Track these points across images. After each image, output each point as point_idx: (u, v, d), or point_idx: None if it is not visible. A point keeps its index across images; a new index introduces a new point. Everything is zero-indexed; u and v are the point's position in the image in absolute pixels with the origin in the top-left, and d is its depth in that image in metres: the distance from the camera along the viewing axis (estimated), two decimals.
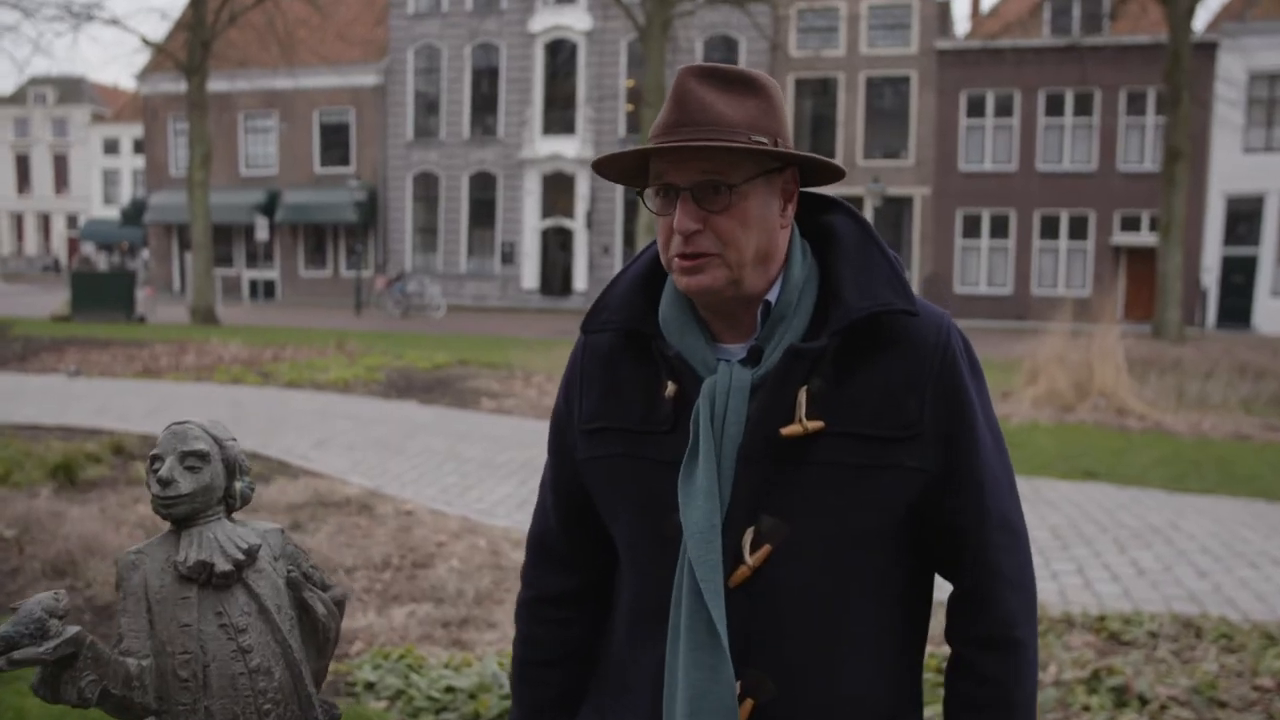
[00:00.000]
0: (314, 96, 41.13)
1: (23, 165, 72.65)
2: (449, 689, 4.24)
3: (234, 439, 1.49)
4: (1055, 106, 33.74)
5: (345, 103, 41.02)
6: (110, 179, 69.77)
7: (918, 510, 1.46)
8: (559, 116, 38.54)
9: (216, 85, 36.51)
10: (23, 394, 14.18)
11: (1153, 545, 7.00)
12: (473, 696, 4.17)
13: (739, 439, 1.44)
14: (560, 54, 38.35)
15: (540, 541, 1.73)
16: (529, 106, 38.58)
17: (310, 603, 1.49)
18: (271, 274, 42.71)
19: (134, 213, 47.10)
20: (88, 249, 65.61)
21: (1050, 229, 34.19)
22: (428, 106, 40.15)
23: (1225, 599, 5.88)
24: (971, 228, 34.80)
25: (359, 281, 36.11)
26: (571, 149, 37.93)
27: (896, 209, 34.62)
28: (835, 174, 1.54)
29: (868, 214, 32.84)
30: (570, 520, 1.67)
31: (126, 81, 44.02)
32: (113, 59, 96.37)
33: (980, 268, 34.85)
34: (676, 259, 1.44)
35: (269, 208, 41.00)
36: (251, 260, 42.83)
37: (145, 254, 48.71)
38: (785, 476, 1.43)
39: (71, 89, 71.01)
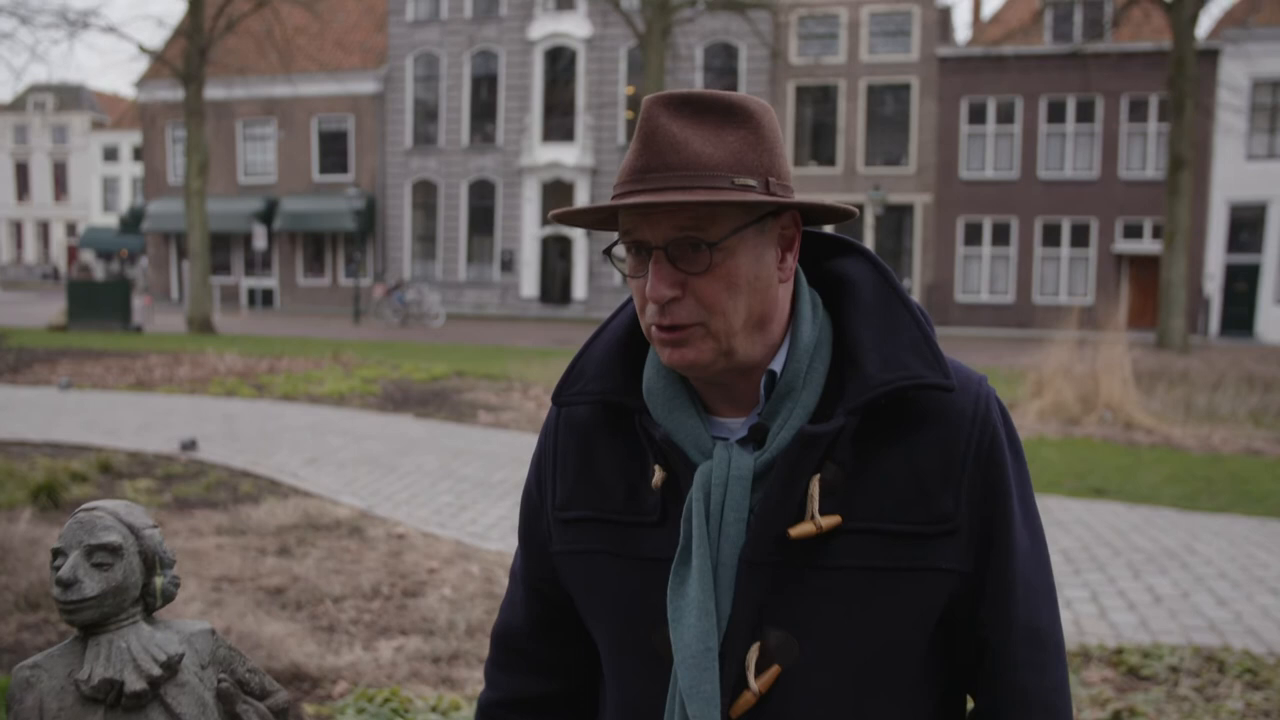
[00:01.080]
0: (313, 104, 40.97)
1: (22, 173, 72.47)
2: None
3: (155, 525, 1.27)
4: (1057, 113, 33.56)
5: (344, 110, 40.85)
6: (110, 186, 69.59)
7: (946, 617, 1.25)
8: (558, 124, 38.38)
9: (215, 93, 36.38)
10: (12, 407, 13.95)
11: (1168, 570, 6.77)
12: None
13: (740, 540, 1.21)
14: (560, 61, 38.19)
15: (507, 638, 1.48)
16: (528, 114, 38.41)
17: (244, 719, 1.26)
18: (270, 282, 42.51)
19: (132, 221, 46.91)
20: (87, 257, 65.42)
21: (1052, 237, 33.99)
22: (427, 114, 39.99)
23: (1247, 629, 5.65)
24: (973, 235, 34.60)
25: (357, 290, 35.91)
26: (571, 156, 37.76)
27: (897, 217, 34.43)
28: (842, 215, 1.31)
29: (868, 222, 32.71)
30: (544, 619, 1.44)
31: (126, 89, 43.96)
32: (110, 66, 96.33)
33: (982, 276, 34.65)
34: (654, 329, 1.22)
35: (267, 216, 40.83)
36: (250, 269, 42.63)
37: (143, 262, 48.54)
38: (796, 583, 1.21)
39: (71, 96, 70.84)
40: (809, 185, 34.93)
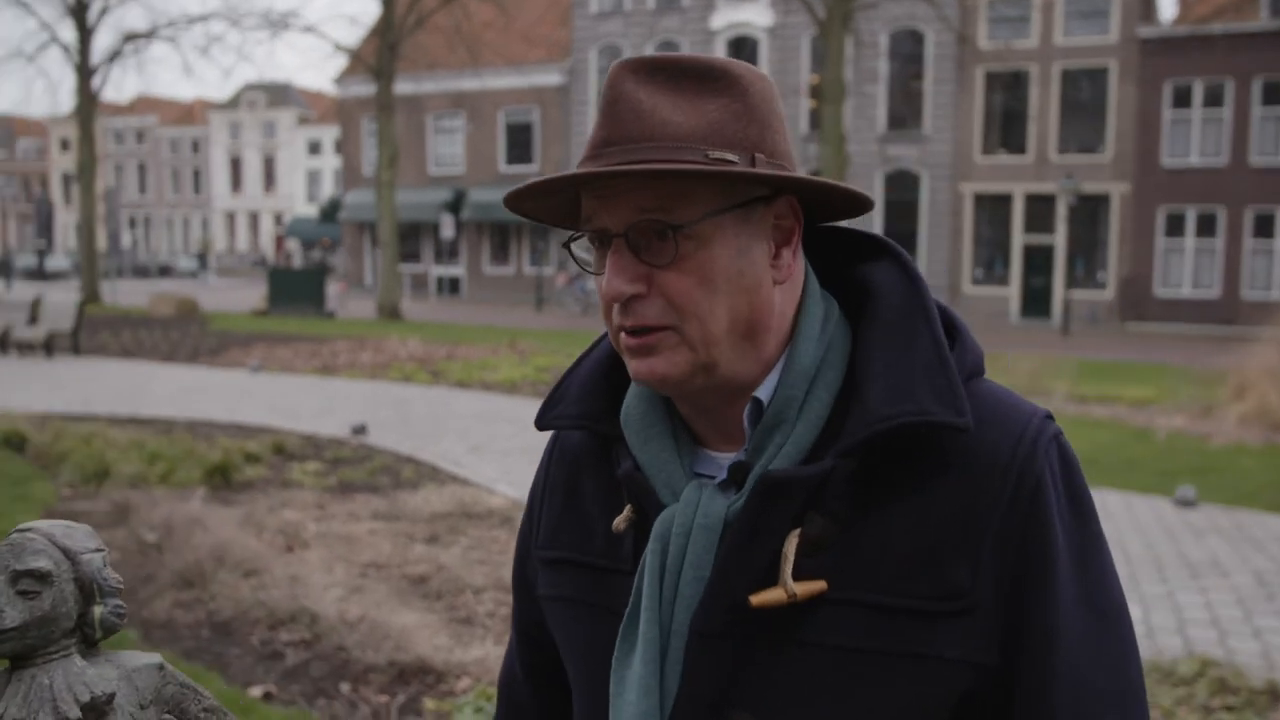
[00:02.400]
0: (499, 96, 41.87)
1: (235, 167, 76.83)
2: None
3: (98, 549, 1.17)
4: (1273, 95, 31.23)
5: (529, 102, 41.61)
6: (313, 178, 73.11)
7: (964, 714, 0.98)
8: None
9: (406, 87, 37.57)
10: (206, 388, 14.71)
11: None
12: None
13: (695, 603, 1.00)
14: (741, 51, 37.88)
15: (508, 688, 1.32)
16: None
17: None
18: (457, 271, 43.73)
19: (330, 211, 49.02)
20: (292, 245, 68.89)
21: (1265, 227, 31.68)
22: None
23: None
24: (1175, 226, 32.58)
25: (540, 279, 36.52)
26: None
27: (1092, 207, 32.73)
28: (860, 203, 1.08)
29: (1059, 213, 31.27)
30: (537, 668, 1.26)
31: (328, 85, 46.18)
32: (309, 65, 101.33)
33: (1184, 269, 32.59)
34: (621, 336, 1.01)
35: (455, 206, 41.97)
36: (439, 257, 43.95)
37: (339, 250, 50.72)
38: (761, 662, 0.99)
39: (279, 94, 74.67)
40: (997, 175, 33.64)
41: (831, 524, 0.97)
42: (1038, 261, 33.43)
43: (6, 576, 1.11)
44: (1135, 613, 5.77)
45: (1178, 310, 32.00)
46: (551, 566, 1.17)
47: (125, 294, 37.94)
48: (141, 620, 5.22)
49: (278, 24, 30.98)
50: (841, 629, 0.96)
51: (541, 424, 1.16)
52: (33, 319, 19.16)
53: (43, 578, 1.11)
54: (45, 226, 53.23)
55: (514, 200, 1.04)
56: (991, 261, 34.36)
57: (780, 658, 0.98)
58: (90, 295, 32.43)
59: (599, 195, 0.99)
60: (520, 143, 42.29)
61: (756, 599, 0.96)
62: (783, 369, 1.03)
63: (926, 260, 34.77)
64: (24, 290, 30.66)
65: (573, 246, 1.06)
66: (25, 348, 18.50)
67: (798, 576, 0.96)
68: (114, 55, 34.27)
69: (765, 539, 0.98)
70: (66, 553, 1.14)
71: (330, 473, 9.07)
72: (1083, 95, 32.96)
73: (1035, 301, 33.51)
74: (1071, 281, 32.09)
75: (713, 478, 1.05)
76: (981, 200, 34.15)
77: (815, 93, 34.59)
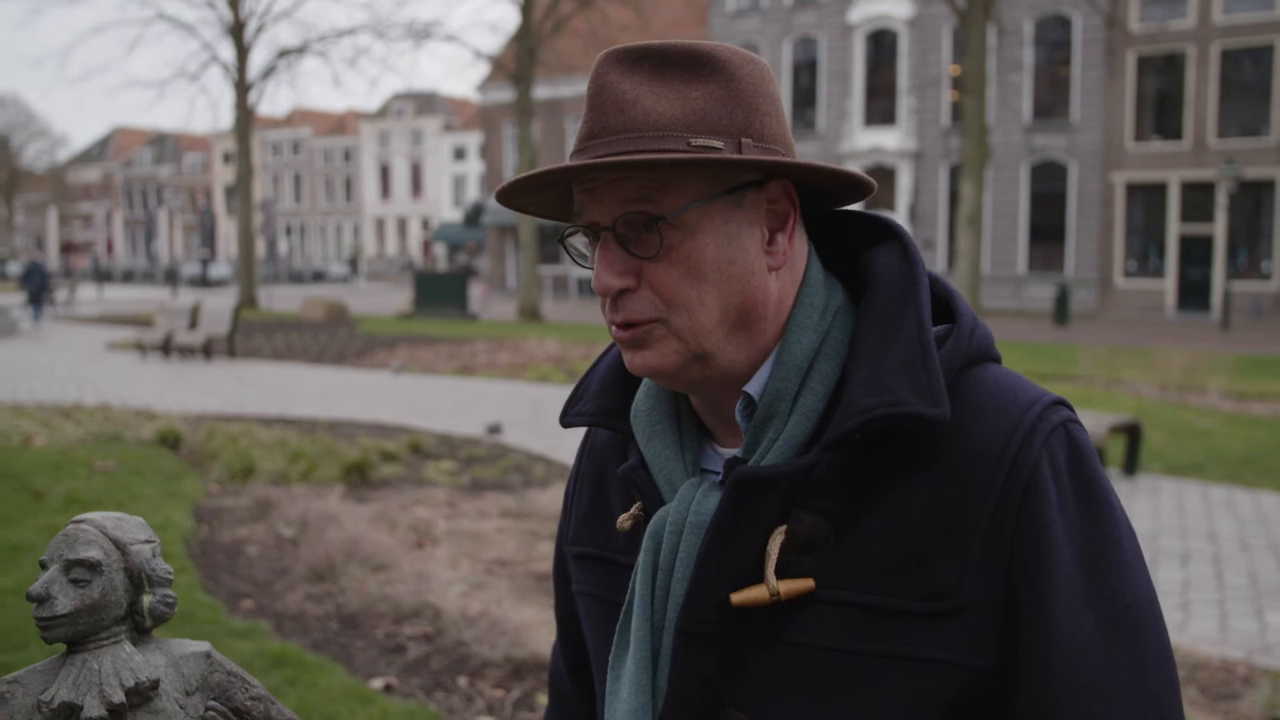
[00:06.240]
0: None
1: (385, 174, 79.18)
2: None
3: (148, 540, 1.22)
4: None
5: None
6: (458, 184, 74.80)
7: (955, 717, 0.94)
8: (879, 107, 37.51)
9: (545, 92, 38.19)
10: (350, 389, 15.21)
11: None
12: None
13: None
14: (881, 44, 37.29)
15: (554, 681, 1.35)
16: (849, 98, 37.79)
17: None
18: None
19: (474, 216, 50.12)
20: (438, 250, 70.69)
21: None
22: None
23: None
24: None
25: None
26: (893, 141, 36.81)
27: (1255, 194, 31.11)
28: (860, 187, 1.04)
29: (1219, 201, 29.83)
30: (576, 664, 1.28)
31: (470, 92, 47.41)
32: (451, 73, 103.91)
33: None
34: (613, 328, 1.01)
35: None
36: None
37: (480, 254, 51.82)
38: (748, 661, 0.98)
39: (426, 102, 76.70)
40: (1151, 163, 32.28)
41: (823, 522, 0.95)
42: (1195, 252, 31.94)
43: (60, 565, 1.17)
44: None
45: None
46: (579, 561, 1.19)
47: (280, 299, 39.52)
48: (274, 612, 5.43)
49: (420, 34, 31.77)
50: (826, 629, 0.94)
51: (564, 421, 1.17)
52: (192, 324, 20.13)
53: (93, 567, 1.17)
54: (209, 236, 55.93)
55: (504, 196, 1.04)
56: (1145, 253, 32.99)
57: (767, 657, 0.97)
58: (247, 301, 33.89)
59: (586, 189, 1.00)
60: None
61: (737, 598, 0.95)
62: (774, 362, 1.01)
63: (1075, 253, 33.63)
64: (188, 297, 32.24)
65: (569, 241, 1.06)
66: (186, 351, 19.44)
67: (785, 575, 0.95)
68: (269, 71, 35.76)
69: (748, 537, 0.97)
70: (117, 543, 1.20)
71: (463, 471, 9.27)
72: (1245, 76, 31.37)
73: (1193, 294, 32.04)
74: (1232, 273, 30.58)
75: (717, 473, 1.04)
76: (1134, 190, 32.84)
77: (957, 84, 33.81)
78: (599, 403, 1.14)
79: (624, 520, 1.07)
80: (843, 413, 0.95)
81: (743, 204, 0.99)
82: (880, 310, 1.00)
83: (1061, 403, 0.97)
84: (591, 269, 1.03)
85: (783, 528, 0.95)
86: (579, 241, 1.05)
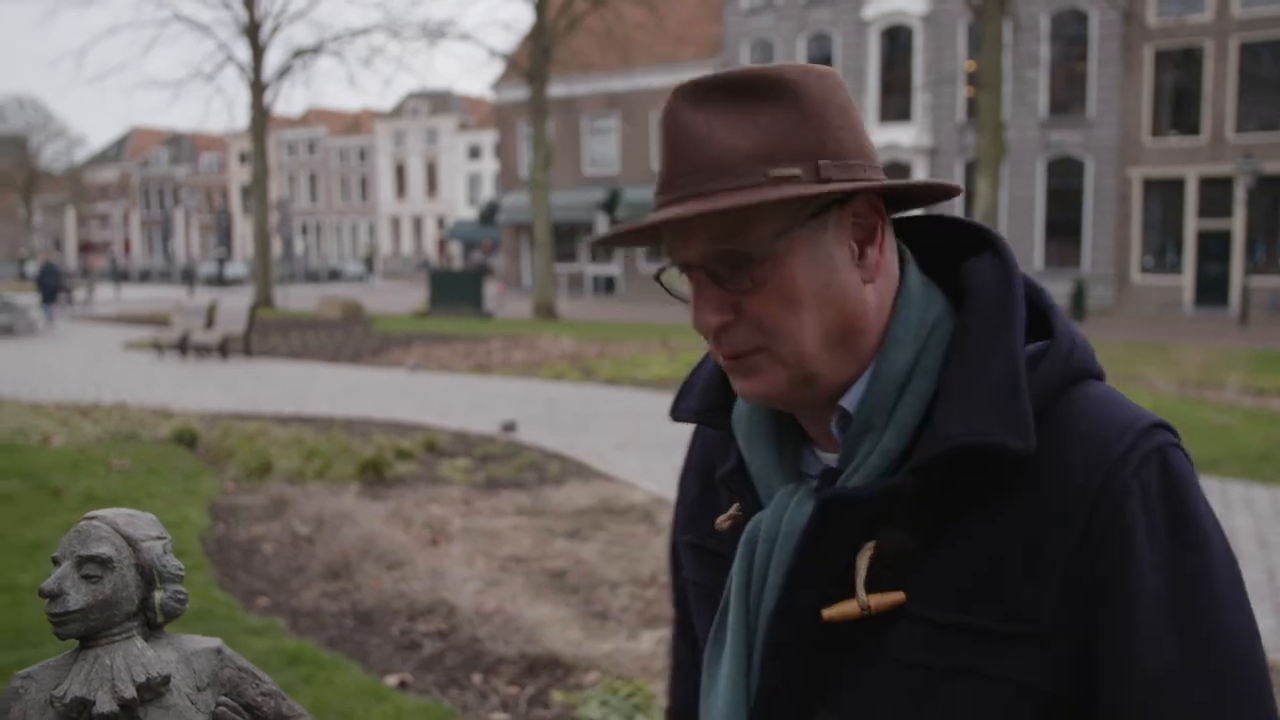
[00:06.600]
0: (652, 96, 42.12)
1: (400, 173, 79.37)
2: None
3: (159, 536, 1.23)
4: None
5: None
6: (473, 182, 74.91)
7: None
8: (894, 103, 37.39)
9: (560, 90, 38.17)
10: (366, 387, 15.26)
11: None
12: None
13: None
14: (896, 40, 37.19)
15: (674, 653, 1.38)
16: (864, 95, 37.68)
17: None
18: (613, 270, 44.21)
19: (489, 214, 50.19)
20: (454, 249, 70.83)
21: None
22: None
23: None
24: None
25: None
26: (908, 137, 36.69)
27: (1274, 189, 30.89)
28: (943, 193, 1.06)
29: (1237, 196, 29.66)
30: (691, 641, 1.31)
31: (485, 91, 47.47)
32: (466, 72, 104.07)
33: None
34: (719, 359, 1.03)
35: (611, 205, 42.45)
36: (594, 256, 44.51)
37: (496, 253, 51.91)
38: (837, 672, 1.00)
39: (440, 101, 76.82)
40: (1168, 158, 32.10)
41: (908, 538, 0.97)
42: (1213, 248, 31.74)
43: (72, 561, 1.18)
44: None
45: None
46: (687, 550, 1.23)
47: (296, 298, 39.66)
48: (290, 609, 5.45)
49: (435, 33, 31.86)
50: (911, 644, 0.96)
51: (673, 416, 1.20)
52: (209, 323, 20.22)
53: (104, 563, 1.17)
54: (225, 236, 56.14)
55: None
56: (1162, 249, 32.81)
57: (854, 668, 0.99)
58: (263, 300, 34.03)
59: (673, 231, 1.01)
60: None
61: (829, 613, 0.97)
62: (871, 376, 1.02)
63: (1091, 248, 33.47)
64: (205, 296, 32.39)
65: (663, 278, 1.07)
66: (202, 350, 19.54)
67: (873, 590, 0.97)
68: (284, 71, 35.89)
69: (837, 553, 0.99)
70: (128, 540, 1.20)
71: (479, 469, 9.29)
72: (1264, 70, 31.14)
73: (1210, 290, 31.84)
74: (1251, 268, 30.39)
75: (815, 478, 1.06)
76: (1151, 185, 32.66)
77: (972, 80, 33.69)
78: (704, 399, 1.16)
79: (723, 521, 1.11)
80: (930, 438, 0.96)
81: (828, 224, 0.99)
82: (975, 330, 1.00)
83: (1161, 425, 0.96)
84: (686, 301, 1.04)
85: (871, 544, 0.97)
86: (674, 277, 1.06)
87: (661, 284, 1.08)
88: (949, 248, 1.11)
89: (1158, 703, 0.89)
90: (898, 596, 0.95)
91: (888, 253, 1.03)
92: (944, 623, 0.94)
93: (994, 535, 0.94)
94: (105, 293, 46.31)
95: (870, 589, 0.96)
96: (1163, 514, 0.92)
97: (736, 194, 0.95)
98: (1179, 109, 32.32)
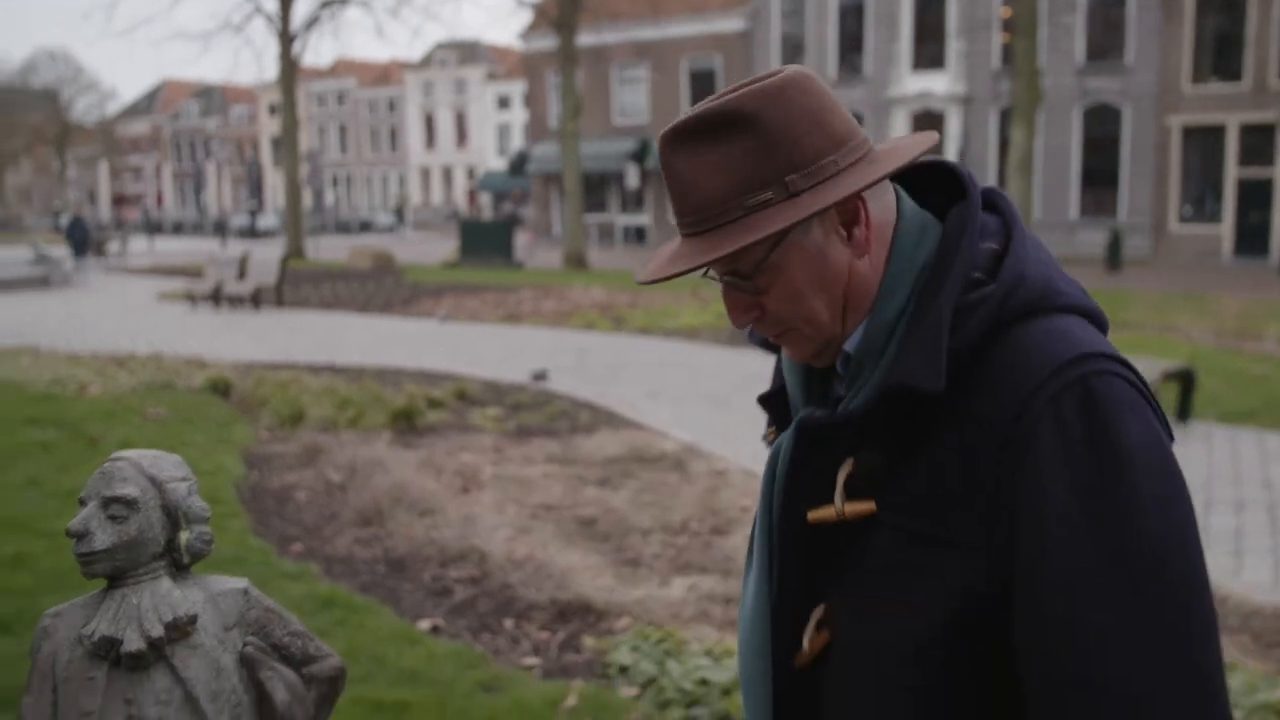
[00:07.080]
0: (681, 45, 41.70)
1: (429, 124, 79.13)
2: (703, 681, 3.94)
3: (184, 478, 1.22)
4: None
5: (711, 49, 41.28)
6: (503, 132, 74.59)
7: (973, 631, 1.07)
8: (928, 51, 36.80)
9: (589, 39, 37.83)
10: (397, 337, 15.31)
11: None
12: (726, 693, 3.85)
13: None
14: None
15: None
16: (896, 43, 37.11)
17: (268, 686, 1.19)
18: (643, 219, 44.02)
19: (518, 164, 50.01)
20: (484, 199, 70.71)
21: None
22: (793, 49, 39.59)
23: None
24: None
25: None
26: (942, 85, 36.14)
27: None
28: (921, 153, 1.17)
29: (1279, 144, 29.02)
30: None
31: (514, 40, 46.96)
32: (494, 21, 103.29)
33: None
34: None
35: (640, 155, 42.18)
36: (624, 206, 44.32)
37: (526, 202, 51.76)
38: (831, 564, 1.18)
39: (469, 51, 76.33)
40: (1208, 105, 31.46)
41: (880, 457, 1.12)
42: (1254, 197, 31.17)
43: (98, 501, 1.17)
44: None
45: None
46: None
47: (328, 249, 39.75)
48: (324, 555, 5.50)
49: None
50: (880, 546, 1.12)
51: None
52: (241, 275, 20.31)
53: (130, 504, 1.17)
54: (256, 188, 56.22)
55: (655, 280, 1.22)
56: (1202, 198, 32.27)
57: (842, 563, 1.15)
58: (295, 251, 34.12)
59: None
60: (703, 90, 42.01)
61: (813, 515, 1.15)
62: (866, 324, 1.17)
63: (1129, 198, 32.98)
64: (237, 248, 32.52)
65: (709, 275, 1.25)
66: (235, 301, 19.65)
67: (855, 500, 1.13)
68: (312, 22, 35.70)
69: (822, 469, 1.16)
70: (153, 480, 1.19)
71: (510, 417, 9.31)
72: None
73: (1251, 240, 31.31)
74: None
75: (820, 410, 1.24)
76: (1191, 133, 32.06)
77: (1007, 26, 33.09)
78: None
79: (766, 435, 1.32)
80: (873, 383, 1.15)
81: (812, 224, 1.14)
82: (930, 281, 1.14)
83: (1096, 355, 1.06)
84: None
85: (849, 461, 1.14)
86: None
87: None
88: (948, 182, 1.25)
89: (1067, 600, 0.99)
90: (869, 505, 1.11)
91: (876, 216, 1.16)
92: (907, 529, 1.09)
93: (941, 458, 1.08)
94: (139, 245, 46.59)
95: (851, 500, 1.13)
96: (1078, 436, 1.02)
97: (721, 231, 1.12)
98: (1220, 55, 31.61)
